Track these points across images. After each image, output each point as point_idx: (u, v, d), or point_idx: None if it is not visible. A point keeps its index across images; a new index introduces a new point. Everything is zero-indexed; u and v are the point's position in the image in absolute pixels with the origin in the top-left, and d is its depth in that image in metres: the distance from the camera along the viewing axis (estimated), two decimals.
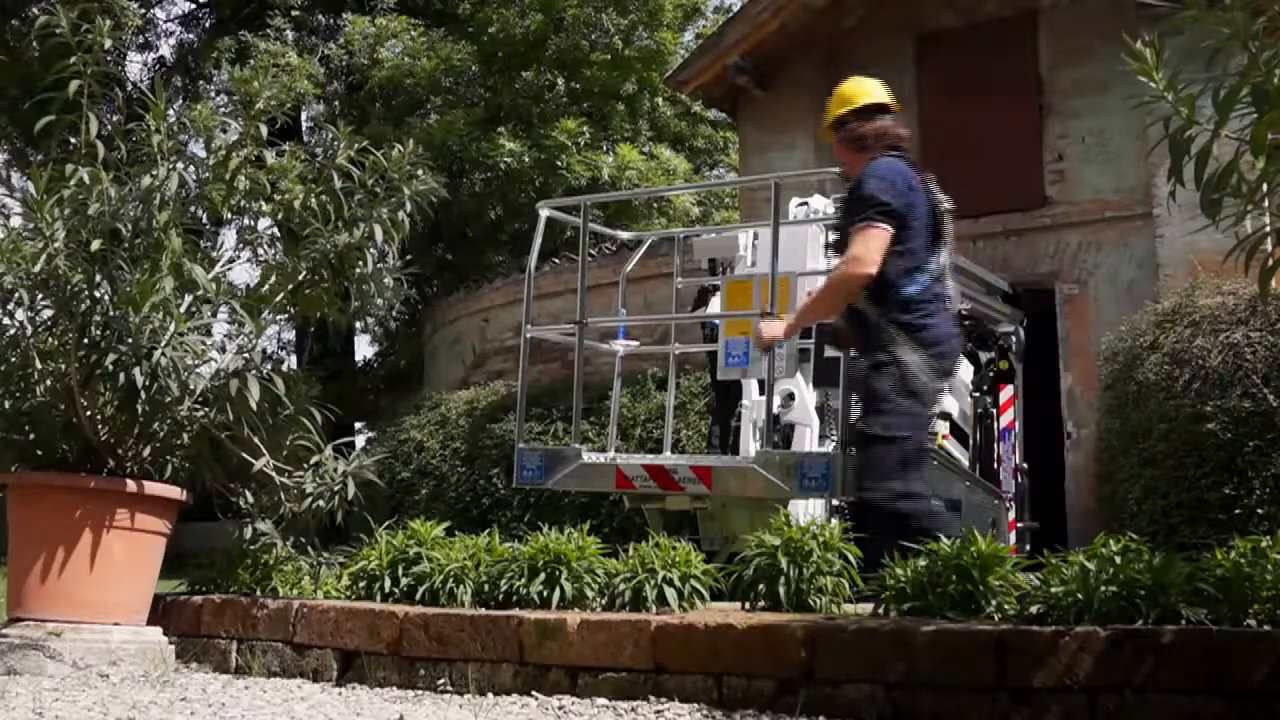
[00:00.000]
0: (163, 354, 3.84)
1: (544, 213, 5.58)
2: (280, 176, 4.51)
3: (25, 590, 3.76)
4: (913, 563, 3.18)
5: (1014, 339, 6.89)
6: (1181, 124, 2.53)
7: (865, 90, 4.44)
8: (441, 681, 3.40)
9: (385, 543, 4.00)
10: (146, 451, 4.09)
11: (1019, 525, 6.42)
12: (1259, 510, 5.57)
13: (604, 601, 3.52)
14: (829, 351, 4.96)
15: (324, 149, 14.92)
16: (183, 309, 3.96)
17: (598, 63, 13.87)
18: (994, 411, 6.46)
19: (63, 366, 4.02)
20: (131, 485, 3.88)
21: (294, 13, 15.43)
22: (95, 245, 3.84)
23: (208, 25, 18.19)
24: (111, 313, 3.95)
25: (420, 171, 4.48)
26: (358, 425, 16.89)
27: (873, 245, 3.98)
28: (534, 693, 3.21)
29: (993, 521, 5.76)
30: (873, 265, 3.98)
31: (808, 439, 5.03)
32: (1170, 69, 2.57)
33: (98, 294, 3.97)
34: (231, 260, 4.59)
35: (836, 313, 4.32)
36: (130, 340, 3.84)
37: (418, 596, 3.78)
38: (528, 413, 8.13)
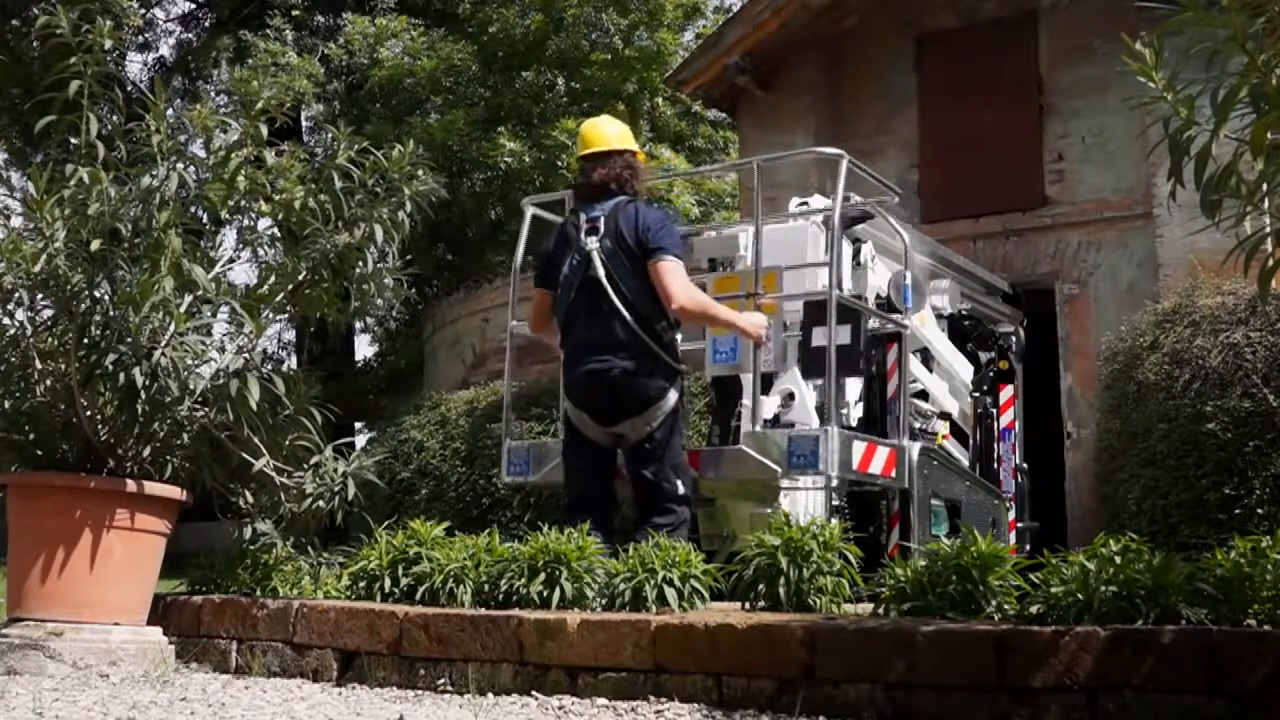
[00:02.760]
0: (163, 354, 3.84)
1: (529, 210, 5.56)
2: (280, 176, 4.51)
3: (25, 590, 3.76)
4: (913, 563, 3.18)
5: (1014, 339, 6.89)
6: (1181, 124, 2.53)
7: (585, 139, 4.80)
8: (441, 681, 3.40)
9: (385, 543, 4.00)
10: (146, 451, 4.09)
11: (1019, 525, 6.43)
12: (1259, 510, 5.57)
13: (604, 601, 3.52)
14: (816, 340, 4.97)
15: (324, 149, 14.94)
16: (183, 309, 3.96)
17: (598, 63, 13.87)
18: (994, 411, 6.47)
19: (63, 366, 4.02)
20: (131, 485, 3.88)
21: (294, 13, 15.44)
22: (95, 245, 3.84)
23: (207, 25, 18.23)
24: (111, 313, 3.95)
25: (420, 171, 4.49)
26: (358, 425, 16.90)
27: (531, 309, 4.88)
28: (534, 693, 3.21)
29: (993, 521, 5.76)
30: (532, 328, 4.92)
31: None
32: (1169, 69, 2.57)
33: (98, 294, 3.97)
34: (231, 260, 4.60)
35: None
36: (130, 340, 3.83)
37: (418, 596, 3.78)
38: (527, 412, 8.14)
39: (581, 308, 4.45)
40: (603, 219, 4.47)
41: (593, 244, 4.44)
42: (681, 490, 4.36)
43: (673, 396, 4.41)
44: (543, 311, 4.73)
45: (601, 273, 4.39)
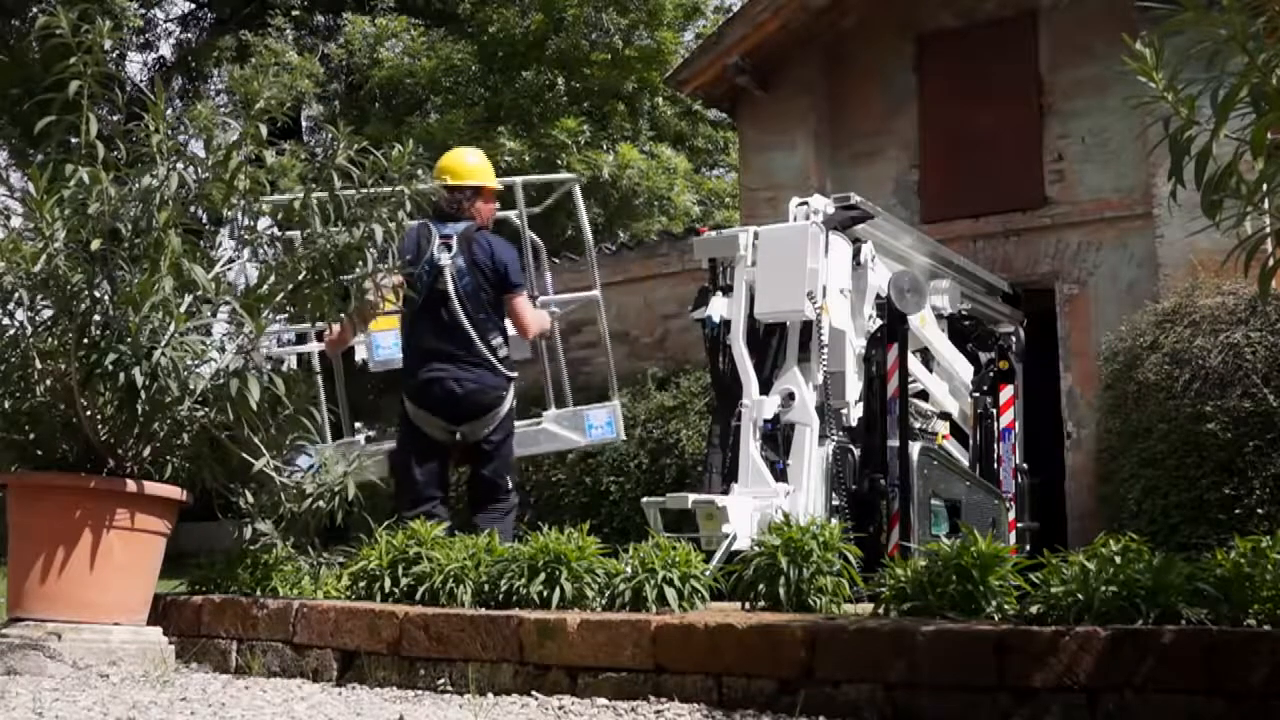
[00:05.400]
0: (163, 354, 3.84)
1: None
2: (280, 176, 4.51)
3: (25, 590, 3.76)
4: (913, 563, 3.19)
5: (1014, 339, 6.90)
6: (1181, 124, 2.53)
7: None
8: (441, 681, 3.40)
9: (385, 543, 4.00)
10: (146, 451, 4.09)
11: (1019, 525, 6.43)
12: (1259, 510, 5.58)
13: (604, 601, 3.52)
14: (511, 332, 5.29)
15: (324, 149, 14.91)
16: (183, 309, 3.95)
17: (598, 62, 13.86)
18: (994, 411, 6.47)
19: (63, 366, 4.02)
20: (131, 485, 3.88)
21: (294, 12, 15.42)
22: (95, 245, 3.84)
23: (208, 25, 18.19)
24: (111, 313, 3.95)
25: (420, 171, 4.49)
26: (357, 425, 16.84)
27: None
28: (534, 693, 3.21)
29: (993, 521, 5.76)
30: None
31: (808, 438, 5.03)
32: (1170, 69, 2.57)
33: (98, 294, 3.96)
34: (231, 260, 4.59)
35: None
36: (130, 340, 3.83)
37: (418, 596, 3.78)
38: (526, 412, 8.12)
39: (428, 317, 4.91)
40: (455, 238, 4.96)
41: (445, 260, 4.92)
42: (510, 484, 5.03)
43: (508, 402, 4.99)
44: None
45: (450, 288, 4.88)
